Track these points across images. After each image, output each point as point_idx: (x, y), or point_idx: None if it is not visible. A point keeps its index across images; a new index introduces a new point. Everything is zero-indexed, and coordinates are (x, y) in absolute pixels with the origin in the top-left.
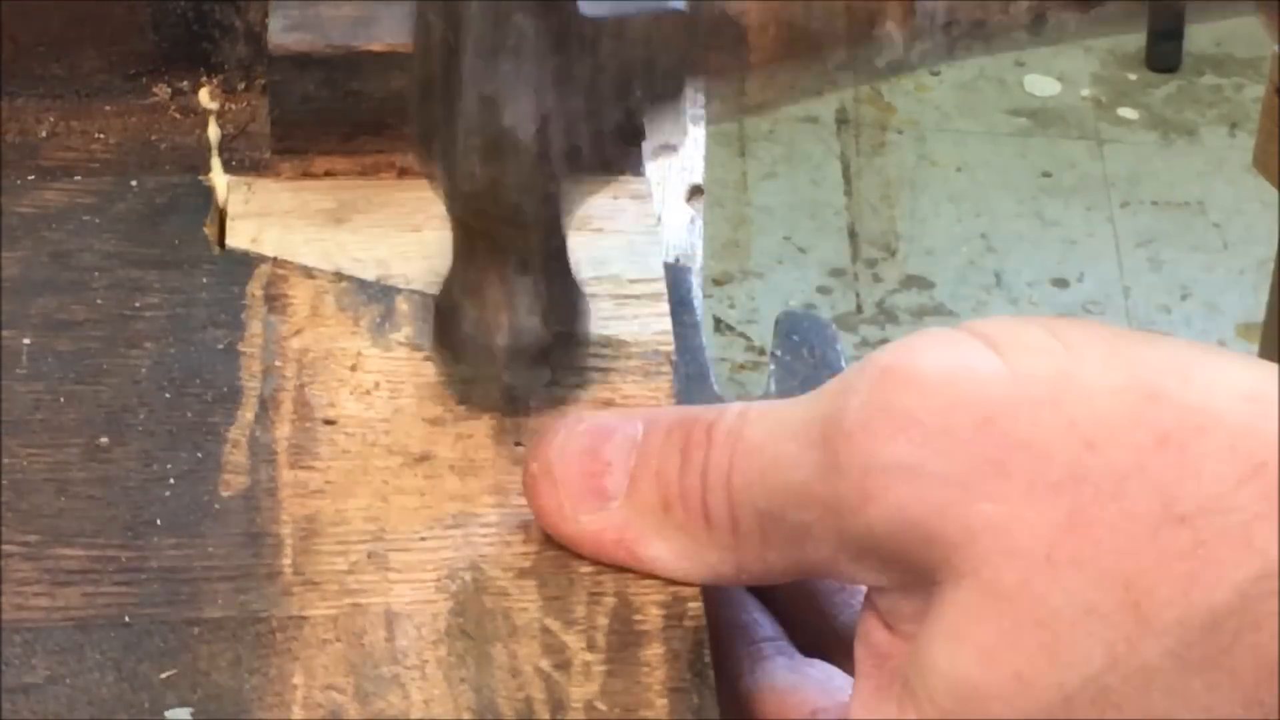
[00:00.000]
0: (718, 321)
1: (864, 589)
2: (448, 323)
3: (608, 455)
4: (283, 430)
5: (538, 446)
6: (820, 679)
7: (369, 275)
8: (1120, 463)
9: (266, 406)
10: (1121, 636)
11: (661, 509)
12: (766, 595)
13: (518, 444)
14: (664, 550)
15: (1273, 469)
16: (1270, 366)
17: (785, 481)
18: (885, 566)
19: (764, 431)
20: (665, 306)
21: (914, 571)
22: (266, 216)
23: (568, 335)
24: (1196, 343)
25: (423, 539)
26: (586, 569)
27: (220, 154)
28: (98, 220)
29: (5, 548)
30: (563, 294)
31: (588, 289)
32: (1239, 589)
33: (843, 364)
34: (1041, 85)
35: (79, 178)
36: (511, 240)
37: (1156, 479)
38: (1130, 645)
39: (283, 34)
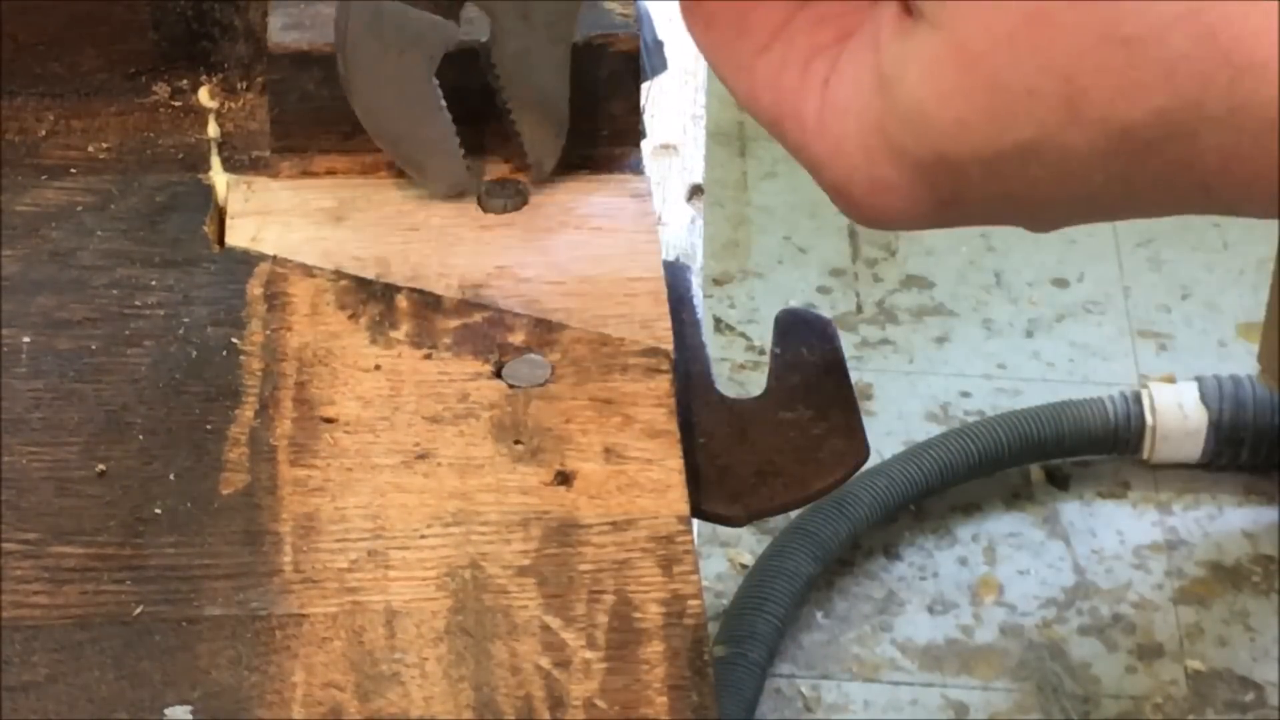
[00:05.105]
0: (718, 321)
1: None
2: None
3: None
4: (282, 428)
5: None
6: None
7: (368, 273)
8: None
9: (266, 405)
10: (1052, 119)
11: None
12: None
13: (517, 442)
14: None
15: (1207, 16)
16: None
17: None
18: None
19: None
20: (665, 305)
21: None
22: (266, 215)
23: None
24: None
25: (422, 536)
26: (586, 567)
27: (220, 153)
28: (97, 219)
29: (5, 545)
30: None
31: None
32: (1154, 113)
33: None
34: None
35: (79, 177)
36: None
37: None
38: (1059, 128)
39: (282, 33)
